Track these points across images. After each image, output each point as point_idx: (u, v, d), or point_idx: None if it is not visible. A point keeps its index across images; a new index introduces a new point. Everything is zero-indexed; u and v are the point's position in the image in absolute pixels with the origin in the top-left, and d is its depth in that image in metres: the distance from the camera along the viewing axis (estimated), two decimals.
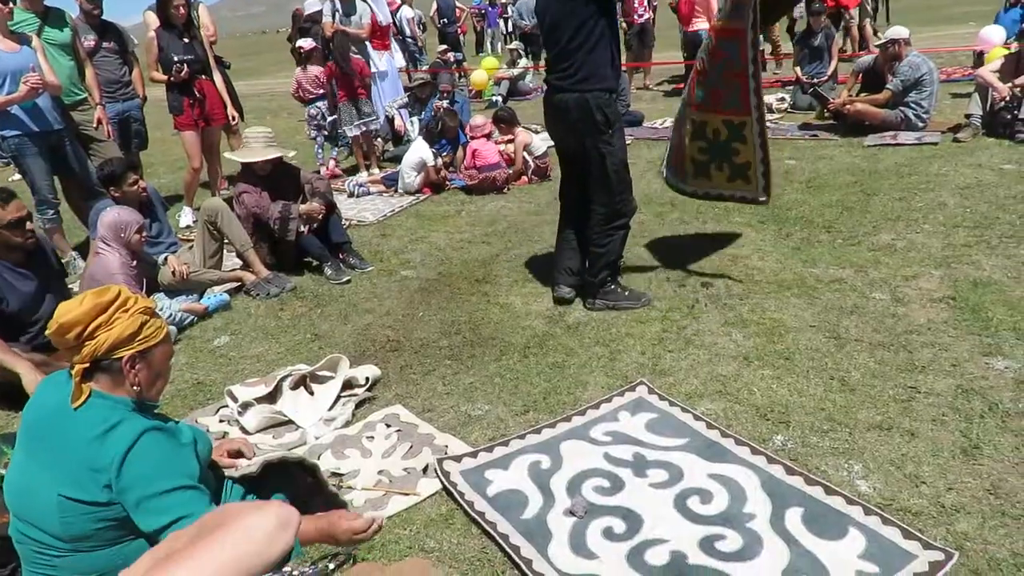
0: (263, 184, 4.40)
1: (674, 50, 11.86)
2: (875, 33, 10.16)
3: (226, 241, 4.30)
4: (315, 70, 6.93)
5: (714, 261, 4.04)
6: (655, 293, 3.64)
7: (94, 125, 5.09)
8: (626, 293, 3.55)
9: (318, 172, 6.84)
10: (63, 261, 5.06)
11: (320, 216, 4.44)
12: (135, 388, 1.67)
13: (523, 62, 11.71)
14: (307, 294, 4.14)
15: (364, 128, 6.76)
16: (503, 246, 4.65)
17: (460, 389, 2.96)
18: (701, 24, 9.19)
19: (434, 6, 13.75)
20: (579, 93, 3.28)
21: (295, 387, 2.98)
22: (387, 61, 8.15)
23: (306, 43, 7.10)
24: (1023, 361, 2.73)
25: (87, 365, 1.63)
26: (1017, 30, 6.28)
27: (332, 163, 7.28)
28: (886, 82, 6.50)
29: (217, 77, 5.77)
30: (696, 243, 4.35)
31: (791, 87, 8.65)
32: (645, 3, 10.38)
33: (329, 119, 6.96)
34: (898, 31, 6.47)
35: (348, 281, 4.25)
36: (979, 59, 8.15)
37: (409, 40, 11.89)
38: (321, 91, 6.91)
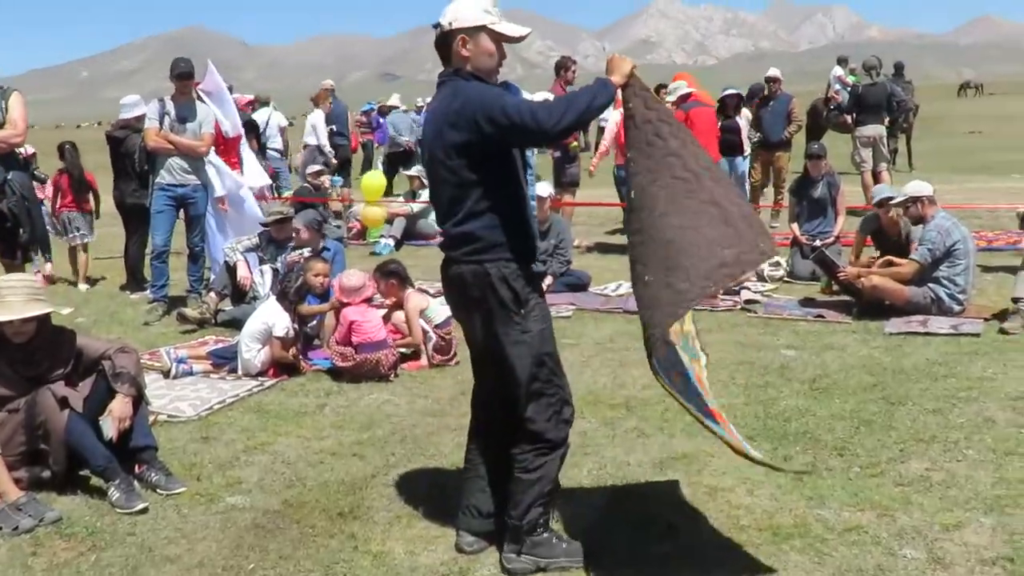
0: (13, 355, 4.37)
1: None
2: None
3: None
4: None
5: (685, 494, 4.11)
6: (599, 540, 3.64)
7: None
8: (563, 545, 3.54)
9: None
10: None
11: (129, 420, 4.38)
12: None
13: (425, 194, 12.21)
14: (78, 529, 3.96)
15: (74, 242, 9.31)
16: (382, 462, 4.62)
17: None
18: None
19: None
20: (475, 264, 3.42)
21: None
22: (234, 184, 8.31)
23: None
24: None
25: None
26: None
27: (48, 267, 9.76)
28: (902, 245, 7.06)
29: None
30: (659, 465, 4.44)
31: (789, 249, 9.29)
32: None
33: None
34: (919, 187, 7.14)
35: (145, 510, 4.11)
36: None
37: (272, 153, 12.32)
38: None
